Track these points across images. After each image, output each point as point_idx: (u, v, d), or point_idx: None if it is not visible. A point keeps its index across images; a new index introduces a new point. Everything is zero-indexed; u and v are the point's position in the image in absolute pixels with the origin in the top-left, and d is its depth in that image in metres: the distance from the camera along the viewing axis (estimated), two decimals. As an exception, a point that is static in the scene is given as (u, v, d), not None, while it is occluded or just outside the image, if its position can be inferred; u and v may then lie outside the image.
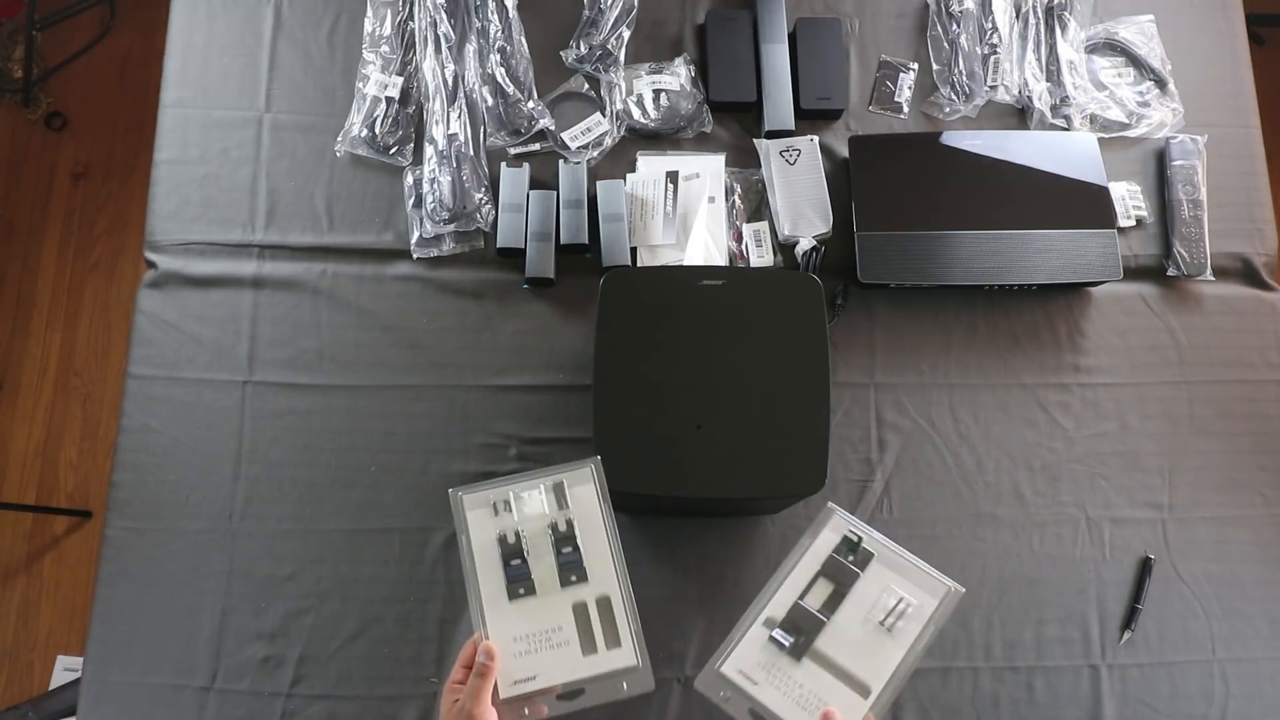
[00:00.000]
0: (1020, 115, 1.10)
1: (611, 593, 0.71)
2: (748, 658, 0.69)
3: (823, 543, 0.73)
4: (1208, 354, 1.04)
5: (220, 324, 0.99)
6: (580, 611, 0.70)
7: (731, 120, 1.09)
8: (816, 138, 1.05)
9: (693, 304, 0.84)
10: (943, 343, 1.03)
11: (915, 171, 1.03)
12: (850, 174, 1.03)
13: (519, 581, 0.71)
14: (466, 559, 0.71)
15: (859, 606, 0.71)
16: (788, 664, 0.69)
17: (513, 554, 0.71)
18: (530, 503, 0.73)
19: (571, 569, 0.71)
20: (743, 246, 1.03)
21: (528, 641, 0.69)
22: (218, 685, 0.89)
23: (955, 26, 1.11)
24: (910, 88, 1.10)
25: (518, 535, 0.72)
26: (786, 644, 0.69)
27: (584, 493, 0.73)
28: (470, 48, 1.06)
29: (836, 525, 0.74)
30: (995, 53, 1.10)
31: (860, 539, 0.73)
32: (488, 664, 0.66)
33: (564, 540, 0.72)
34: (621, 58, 1.08)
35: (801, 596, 0.71)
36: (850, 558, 0.72)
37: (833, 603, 0.71)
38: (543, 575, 0.71)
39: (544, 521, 0.72)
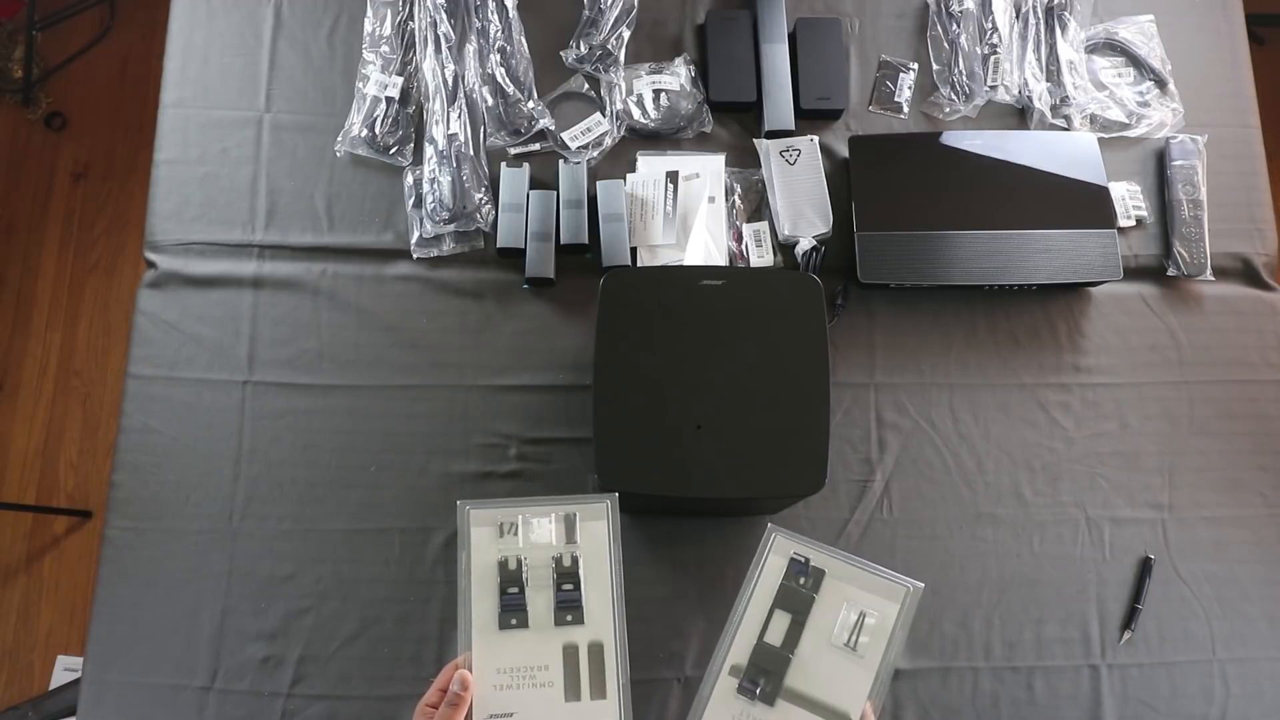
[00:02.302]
0: (1020, 115, 1.10)
1: (606, 640, 0.67)
2: (722, 714, 0.67)
3: (771, 570, 0.70)
4: (1208, 354, 1.04)
5: (220, 324, 0.99)
6: (570, 654, 0.67)
7: (731, 120, 1.09)
8: (816, 138, 1.05)
9: (693, 304, 0.84)
10: (943, 343, 1.03)
11: (915, 171, 1.03)
12: (850, 174, 1.03)
13: (513, 611, 0.68)
14: (464, 577, 0.69)
15: (821, 631, 0.69)
16: (762, 711, 0.66)
17: (511, 581, 0.68)
18: (538, 530, 0.70)
19: (569, 608, 0.68)
20: (743, 246, 1.03)
21: (511, 675, 0.66)
22: (218, 685, 0.89)
23: (955, 26, 1.11)
24: (910, 88, 1.10)
25: (520, 562, 0.69)
26: (756, 691, 0.67)
27: (596, 529, 0.70)
28: (470, 48, 1.06)
29: (780, 548, 0.71)
30: (995, 53, 1.10)
31: (807, 560, 0.70)
32: (461, 695, 0.64)
33: (566, 576, 0.69)
34: (621, 58, 1.08)
35: (761, 635, 0.69)
36: (802, 581, 0.70)
37: (794, 634, 0.69)
38: (539, 609, 0.68)
39: (549, 552, 0.69)
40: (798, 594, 0.70)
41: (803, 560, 0.70)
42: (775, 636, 0.68)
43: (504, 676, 0.66)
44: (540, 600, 0.68)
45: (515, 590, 0.68)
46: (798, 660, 0.68)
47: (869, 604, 0.69)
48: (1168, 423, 1.02)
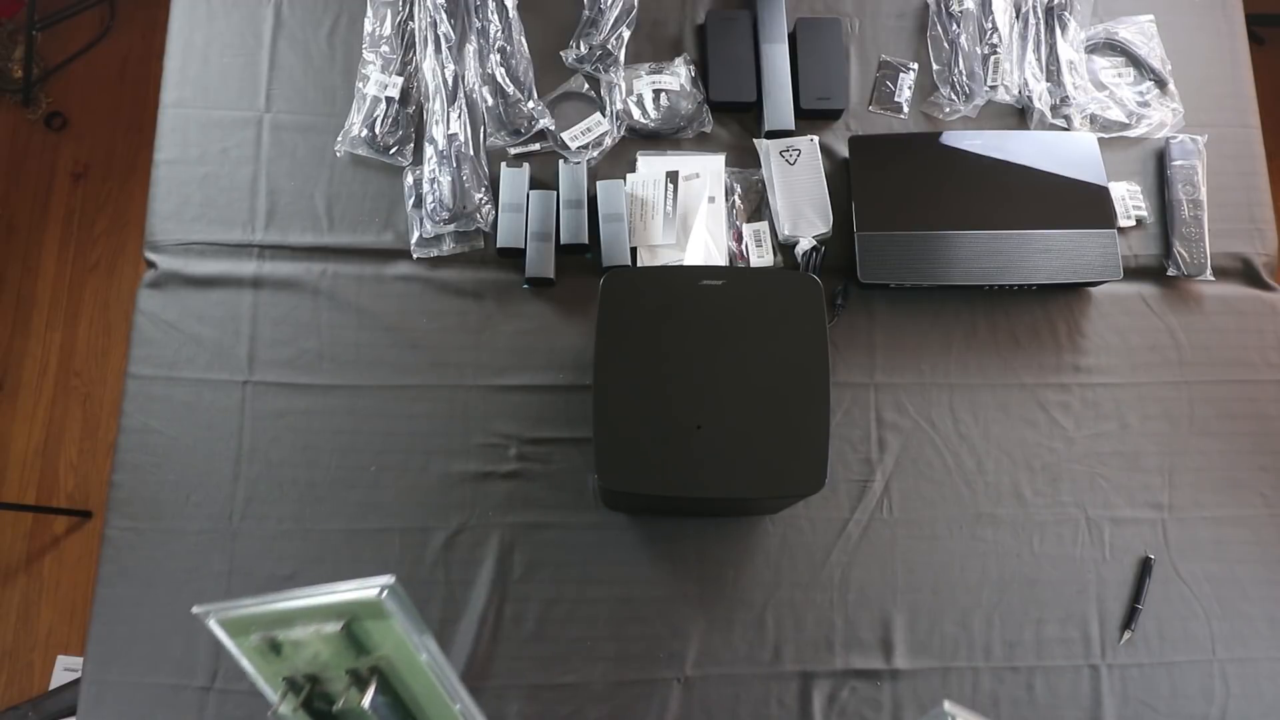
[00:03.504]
0: (1020, 115, 1.10)
1: None
2: None
3: None
4: (1208, 354, 1.04)
5: (220, 324, 0.99)
6: None
7: (731, 120, 1.09)
8: (816, 138, 1.05)
9: (693, 304, 0.84)
10: (943, 343, 1.03)
11: (915, 171, 1.03)
12: (850, 174, 1.03)
13: None
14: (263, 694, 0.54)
15: None
16: None
17: (317, 699, 0.53)
18: (311, 647, 0.53)
19: None
20: (743, 246, 1.03)
21: None
22: (218, 685, 0.89)
23: (955, 26, 1.11)
24: (910, 88, 1.10)
25: (313, 680, 0.54)
26: None
27: (384, 628, 0.52)
28: (470, 48, 1.06)
29: None
30: (995, 53, 1.10)
31: None
32: None
33: (380, 690, 0.53)
34: (621, 58, 1.08)
35: None
36: None
37: None
38: None
39: (340, 665, 0.53)
40: None
41: None
42: None
43: None
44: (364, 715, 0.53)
45: (325, 708, 0.54)
46: None
47: None
48: (1168, 423, 1.02)
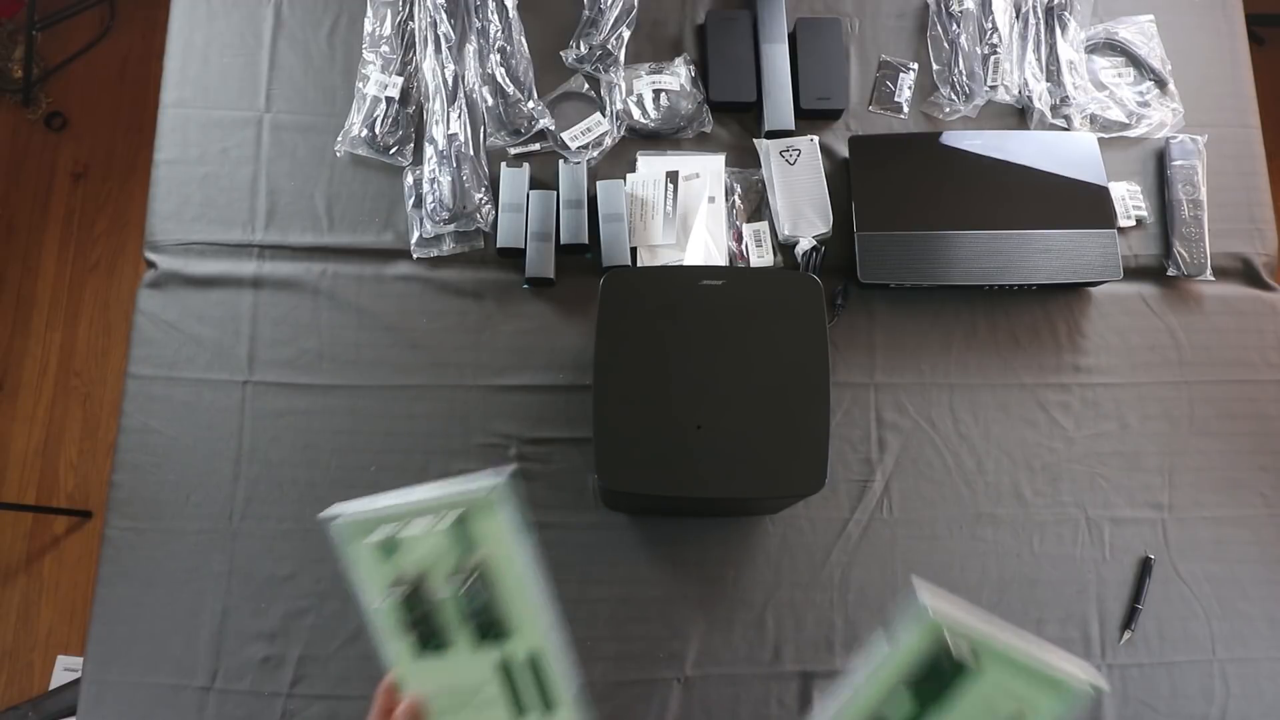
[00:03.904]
0: (1020, 115, 1.10)
1: (540, 648, 0.58)
2: None
3: (911, 646, 0.56)
4: (1208, 354, 1.04)
5: (220, 324, 0.99)
6: (505, 669, 0.58)
7: (731, 120, 1.09)
8: (816, 138, 1.05)
9: (693, 304, 0.84)
10: (943, 343, 1.03)
11: (915, 171, 1.03)
12: (850, 174, 1.03)
13: (427, 639, 0.58)
14: (363, 596, 0.58)
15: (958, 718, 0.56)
16: None
17: (414, 604, 0.57)
18: (424, 543, 0.57)
19: (488, 626, 0.58)
20: (743, 246, 1.03)
21: (450, 697, 0.58)
22: (218, 685, 0.89)
23: (955, 26, 1.11)
24: (910, 88, 1.10)
25: (418, 580, 0.58)
26: None
27: (493, 528, 0.58)
28: (470, 48, 1.06)
29: (930, 621, 0.56)
30: (995, 53, 1.10)
31: (965, 649, 0.55)
32: None
33: (473, 594, 0.57)
34: (621, 58, 1.08)
35: (881, 712, 0.56)
36: (947, 664, 0.56)
37: (919, 714, 0.56)
38: (455, 629, 0.58)
39: (446, 564, 0.57)
40: (937, 682, 0.56)
41: (957, 640, 0.56)
42: (896, 714, 0.56)
43: (441, 699, 0.58)
44: (454, 619, 0.58)
45: (421, 613, 0.58)
46: None
47: (1029, 698, 0.55)
48: (1168, 423, 1.02)
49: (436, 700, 0.58)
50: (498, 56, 1.06)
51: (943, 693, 0.56)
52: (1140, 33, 1.13)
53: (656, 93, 1.07)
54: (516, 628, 0.58)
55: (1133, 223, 1.07)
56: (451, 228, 1.01)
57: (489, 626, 0.58)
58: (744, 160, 1.07)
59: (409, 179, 1.03)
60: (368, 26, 1.07)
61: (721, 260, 1.01)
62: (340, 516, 0.57)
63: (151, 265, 1.01)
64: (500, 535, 0.58)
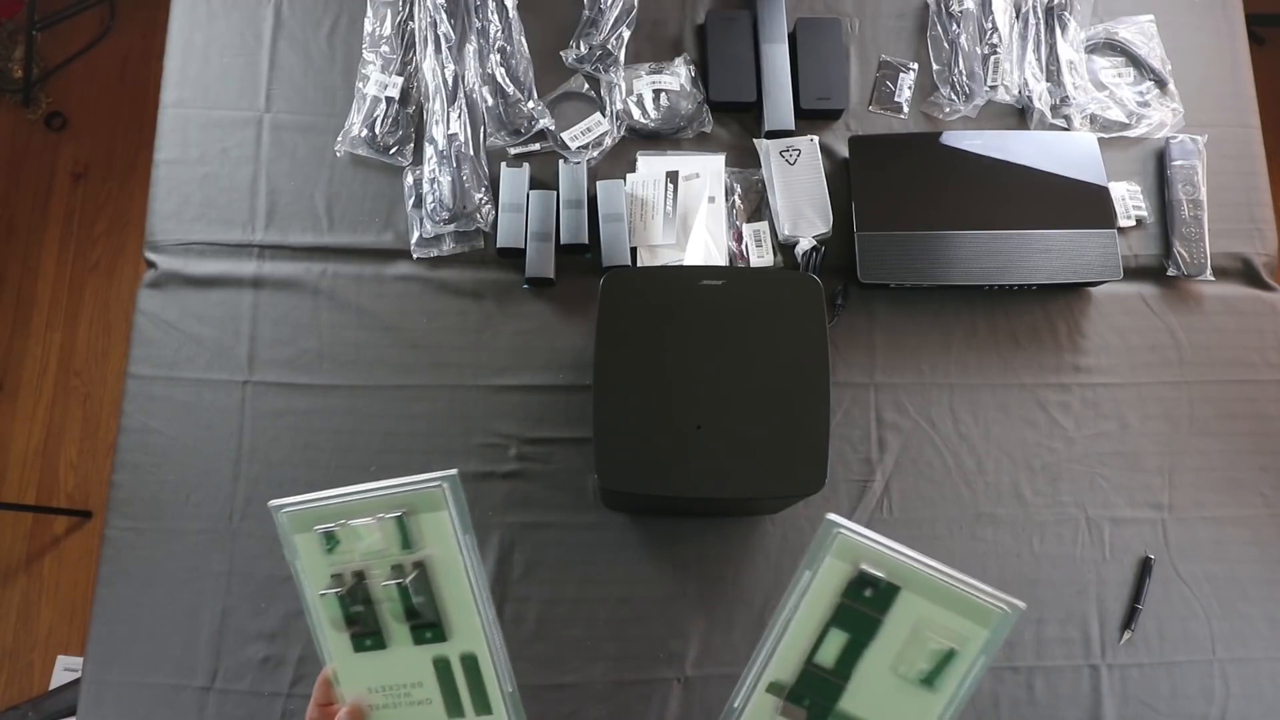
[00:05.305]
0: (1020, 115, 1.10)
1: (478, 650, 0.58)
2: None
3: (829, 577, 0.56)
4: (1208, 354, 1.04)
5: (220, 324, 0.99)
6: (443, 669, 0.58)
7: (731, 120, 1.09)
8: (816, 138, 1.05)
9: (693, 304, 0.84)
10: (943, 343, 1.03)
11: (915, 171, 1.03)
12: (850, 174, 1.03)
13: (365, 634, 0.58)
14: (303, 589, 0.59)
15: (885, 656, 0.56)
16: None
17: (354, 599, 0.58)
18: (367, 536, 0.58)
19: (425, 626, 0.58)
20: (743, 246, 1.03)
21: (385, 694, 0.58)
22: (218, 685, 0.89)
23: (955, 26, 1.11)
24: (910, 88, 1.10)
25: (358, 576, 0.58)
26: (803, 717, 0.56)
27: (436, 523, 0.57)
28: (470, 48, 1.06)
29: (845, 552, 0.56)
30: (995, 53, 1.10)
31: (880, 577, 0.56)
32: None
33: (415, 590, 0.58)
34: (621, 58, 1.08)
35: (811, 654, 0.56)
36: (868, 593, 0.56)
37: (851, 656, 0.56)
38: (392, 626, 0.58)
39: (387, 560, 0.58)
40: (861, 614, 0.56)
41: (872, 575, 0.56)
42: (828, 656, 0.56)
43: (377, 695, 0.59)
44: (392, 616, 0.58)
45: (360, 609, 0.58)
46: (853, 688, 0.56)
47: (953, 628, 0.55)
48: (1168, 423, 1.02)
49: (373, 697, 0.58)
50: (498, 56, 1.06)
51: (870, 627, 0.56)
52: (1140, 33, 1.13)
53: (656, 93, 1.07)
54: (455, 628, 0.58)
55: (1133, 223, 1.07)
56: (451, 228, 1.01)
57: (427, 626, 0.58)
58: (744, 160, 1.07)
59: (409, 179, 1.03)
60: (368, 26, 1.07)
61: (721, 260, 1.01)
62: (286, 507, 0.58)
63: (151, 265, 1.01)
64: (443, 534, 0.58)
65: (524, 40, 1.07)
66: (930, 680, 0.55)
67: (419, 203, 1.02)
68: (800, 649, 0.57)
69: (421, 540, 0.58)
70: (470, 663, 0.58)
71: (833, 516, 0.57)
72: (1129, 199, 1.06)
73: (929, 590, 0.55)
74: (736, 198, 1.05)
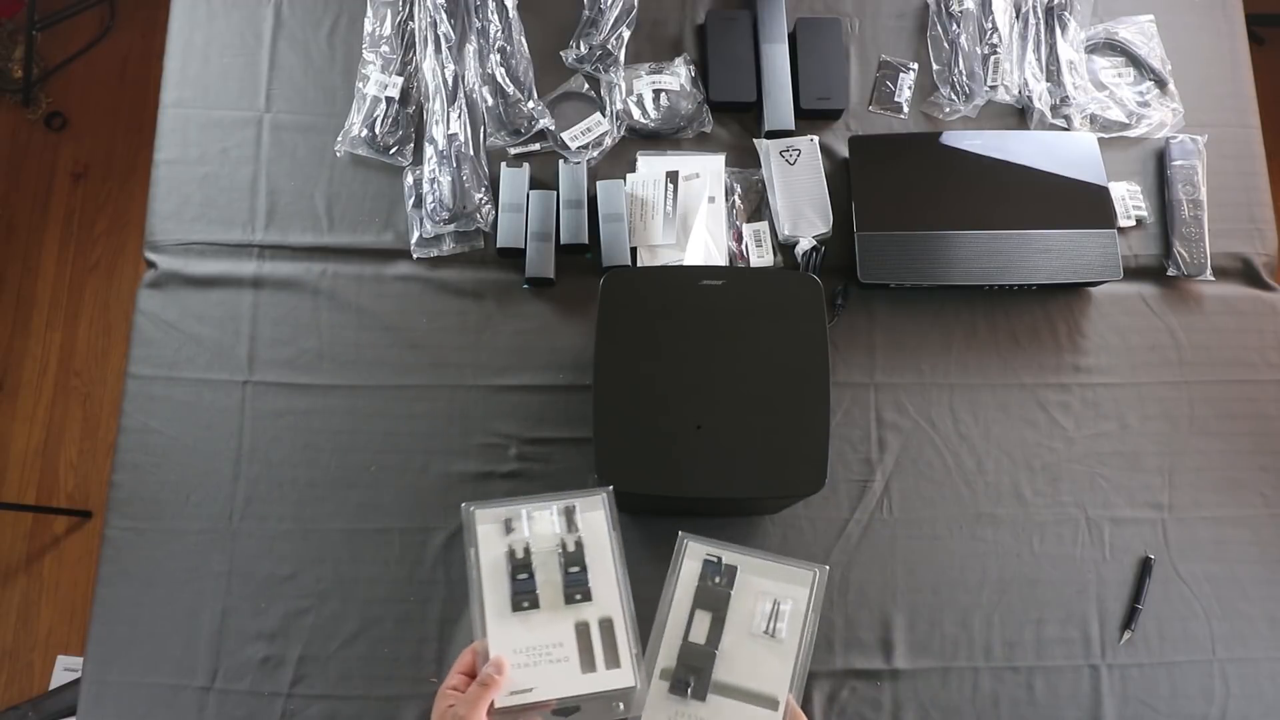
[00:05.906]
0: (1020, 115, 1.10)
1: (615, 615, 0.71)
2: (658, 717, 0.70)
3: (688, 574, 0.75)
4: (1208, 354, 1.04)
5: (220, 324, 0.99)
6: (582, 630, 0.70)
7: (731, 120, 1.09)
8: (816, 138, 1.05)
9: (693, 304, 0.83)
10: (943, 343, 1.03)
11: (915, 171, 1.03)
12: (850, 174, 1.03)
13: (524, 595, 0.71)
14: (473, 570, 0.72)
15: (740, 624, 0.73)
16: (695, 708, 0.71)
17: (520, 568, 0.72)
18: (541, 522, 0.74)
19: (577, 588, 0.72)
20: (743, 246, 1.03)
21: (528, 654, 0.69)
22: (218, 685, 0.89)
23: (955, 26, 1.11)
24: (910, 88, 1.10)
25: (526, 550, 0.73)
26: (688, 690, 0.71)
27: (594, 519, 0.74)
28: (470, 48, 1.06)
29: (694, 552, 0.76)
30: (995, 53, 1.10)
31: (719, 559, 0.75)
32: (494, 676, 0.66)
33: (572, 560, 0.72)
34: (621, 58, 1.08)
35: (686, 635, 0.73)
36: (717, 579, 0.75)
37: (716, 630, 0.73)
38: (548, 591, 0.71)
39: (553, 541, 0.73)
40: (715, 592, 0.74)
41: (715, 560, 0.75)
42: (699, 635, 0.73)
43: (521, 656, 0.69)
44: (549, 583, 0.72)
45: (525, 575, 0.72)
46: (723, 654, 0.72)
47: (782, 592, 0.74)
48: (1168, 423, 1.02)
49: (519, 655, 0.69)
50: (498, 56, 1.06)
51: (724, 601, 0.74)
52: (1140, 33, 1.13)
53: (656, 93, 1.07)
54: (597, 597, 0.72)
55: (1133, 223, 1.07)
56: (451, 228, 1.01)
57: (576, 591, 0.71)
58: (744, 160, 1.07)
59: (409, 179, 1.03)
60: (368, 26, 1.07)
61: (721, 260, 1.01)
62: (475, 506, 0.74)
63: (151, 265, 1.01)
64: (597, 528, 0.74)
65: (524, 40, 1.07)
66: (771, 631, 0.73)
67: (419, 203, 1.02)
68: (677, 634, 0.73)
69: (580, 529, 0.74)
70: (607, 624, 0.71)
71: (682, 533, 0.76)
72: (1129, 199, 1.06)
73: (758, 569, 0.75)
74: (736, 198, 1.05)
